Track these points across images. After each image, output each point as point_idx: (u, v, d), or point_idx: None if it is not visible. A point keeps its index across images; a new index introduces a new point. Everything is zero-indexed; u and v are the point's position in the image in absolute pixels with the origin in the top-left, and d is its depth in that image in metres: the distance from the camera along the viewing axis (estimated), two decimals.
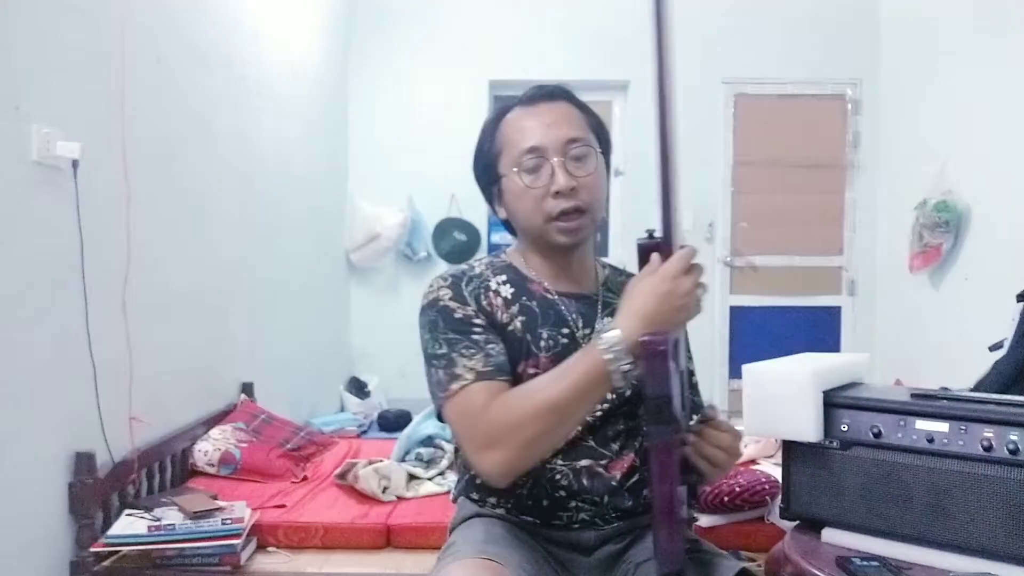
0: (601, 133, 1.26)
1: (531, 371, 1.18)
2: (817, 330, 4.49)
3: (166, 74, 2.40)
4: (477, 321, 1.18)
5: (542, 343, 1.19)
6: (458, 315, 1.17)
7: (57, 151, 1.82)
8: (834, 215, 4.60)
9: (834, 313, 4.57)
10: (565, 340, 1.20)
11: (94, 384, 1.96)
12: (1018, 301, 2.44)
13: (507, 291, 1.23)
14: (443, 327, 1.17)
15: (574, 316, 1.22)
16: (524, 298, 1.23)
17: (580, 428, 1.18)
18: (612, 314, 1.22)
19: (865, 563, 1.29)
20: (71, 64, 1.93)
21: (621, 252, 4.51)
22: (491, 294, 1.22)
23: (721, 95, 4.56)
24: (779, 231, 4.57)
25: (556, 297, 1.23)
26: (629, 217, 4.59)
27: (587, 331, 1.22)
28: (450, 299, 1.19)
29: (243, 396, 2.93)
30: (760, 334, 4.38)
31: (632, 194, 4.57)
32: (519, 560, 1.10)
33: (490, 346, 1.15)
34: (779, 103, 4.58)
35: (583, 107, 1.27)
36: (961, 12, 3.66)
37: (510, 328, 1.19)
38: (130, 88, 2.14)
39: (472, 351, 1.14)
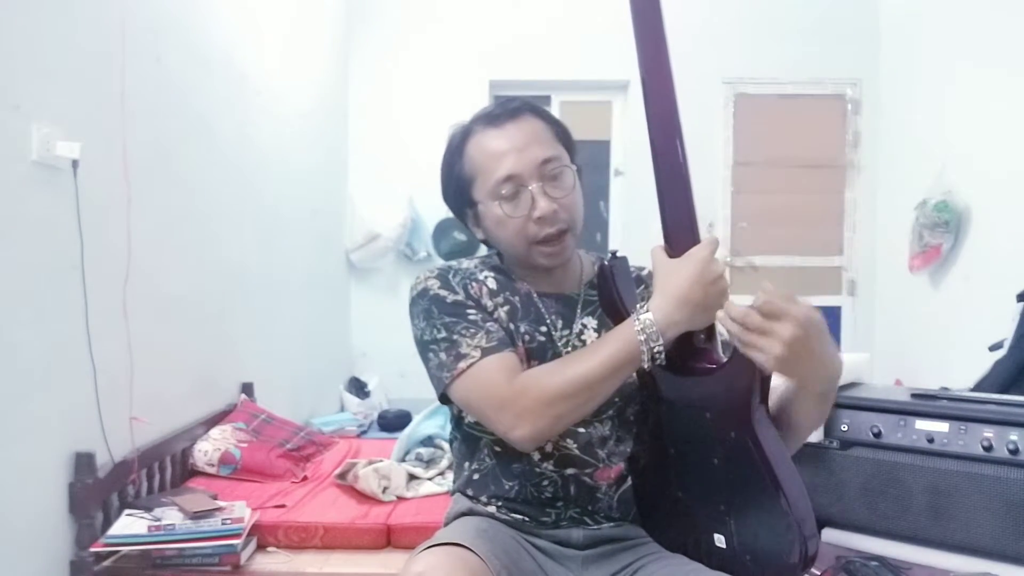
0: (567, 141, 1.24)
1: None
2: None
3: (166, 74, 2.40)
4: (470, 304, 1.20)
5: (521, 336, 1.20)
6: (450, 300, 1.19)
7: (57, 151, 1.82)
8: (834, 215, 4.60)
9: (834, 313, 4.57)
10: (542, 338, 1.21)
11: (94, 384, 1.96)
12: (1018, 301, 2.44)
13: (493, 283, 1.25)
14: (438, 313, 1.18)
15: (553, 317, 1.23)
16: (508, 292, 1.24)
17: (562, 435, 1.18)
18: (592, 313, 1.23)
19: (865, 563, 1.29)
20: (71, 64, 1.93)
21: (621, 252, 4.50)
22: (477, 283, 1.24)
23: (721, 95, 4.55)
24: (779, 231, 4.57)
25: (537, 297, 1.24)
26: (629, 217, 4.59)
27: (565, 331, 1.22)
28: (439, 288, 1.20)
29: (243, 396, 2.93)
30: None
31: (632, 194, 4.57)
32: (493, 549, 1.11)
33: (488, 324, 1.17)
34: (779, 103, 4.58)
35: (548, 118, 1.24)
36: (961, 12, 3.65)
37: (495, 315, 1.21)
38: (130, 88, 2.14)
39: (472, 330, 1.15)
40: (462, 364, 1.12)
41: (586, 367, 1.05)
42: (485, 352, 1.12)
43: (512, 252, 1.23)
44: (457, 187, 1.25)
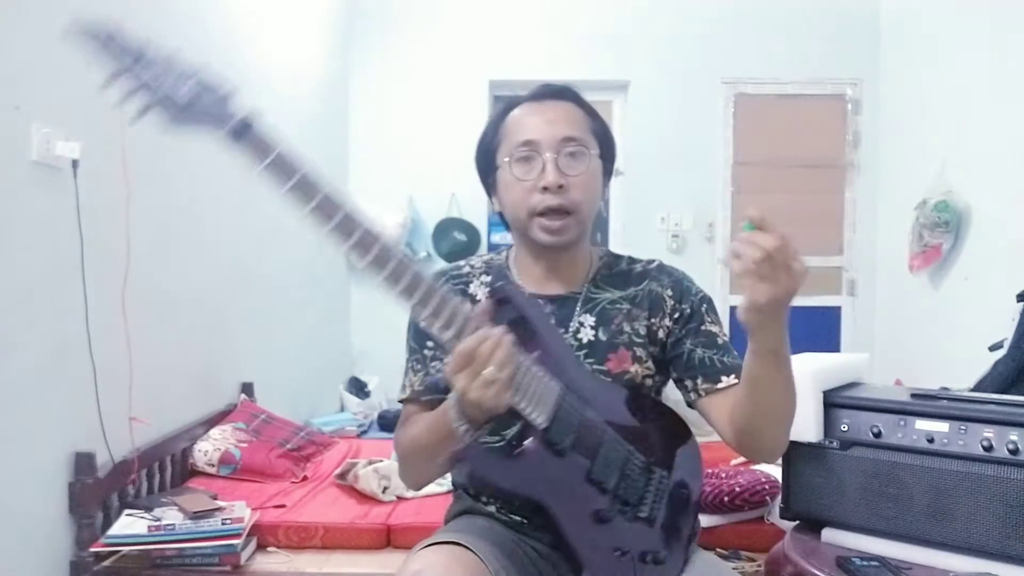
0: (605, 139, 1.25)
1: None
2: (817, 330, 4.49)
3: None
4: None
5: None
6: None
7: (57, 151, 1.82)
8: (834, 215, 4.60)
9: (834, 313, 4.57)
10: None
11: (94, 384, 1.96)
12: (1018, 301, 2.43)
13: (483, 294, 1.25)
14: (412, 333, 1.27)
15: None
16: None
17: None
18: (591, 311, 1.23)
19: (865, 563, 1.29)
20: (71, 64, 1.93)
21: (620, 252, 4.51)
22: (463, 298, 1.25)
23: (721, 95, 4.55)
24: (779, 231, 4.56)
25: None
26: (629, 217, 4.59)
27: (560, 331, 1.22)
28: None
29: (243, 396, 2.93)
30: None
31: (632, 194, 4.57)
32: (492, 549, 1.12)
33: (434, 363, 1.22)
34: (779, 103, 4.58)
35: (589, 110, 1.26)
36: (961, 12, 3.65)
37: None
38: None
39: (418, 367, 1.24)
40: (400, 396, 1.26)
41: (416, 431, 1.14)
42: (409, 398, 1.24)
43: (515, 222, 1.23)
44: (486, 151, 1.27)
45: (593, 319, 1.23)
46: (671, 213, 4.51)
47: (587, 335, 1.22)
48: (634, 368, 1.21)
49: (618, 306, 1.24)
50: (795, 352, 1.64)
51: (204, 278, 2.67)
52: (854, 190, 4.58)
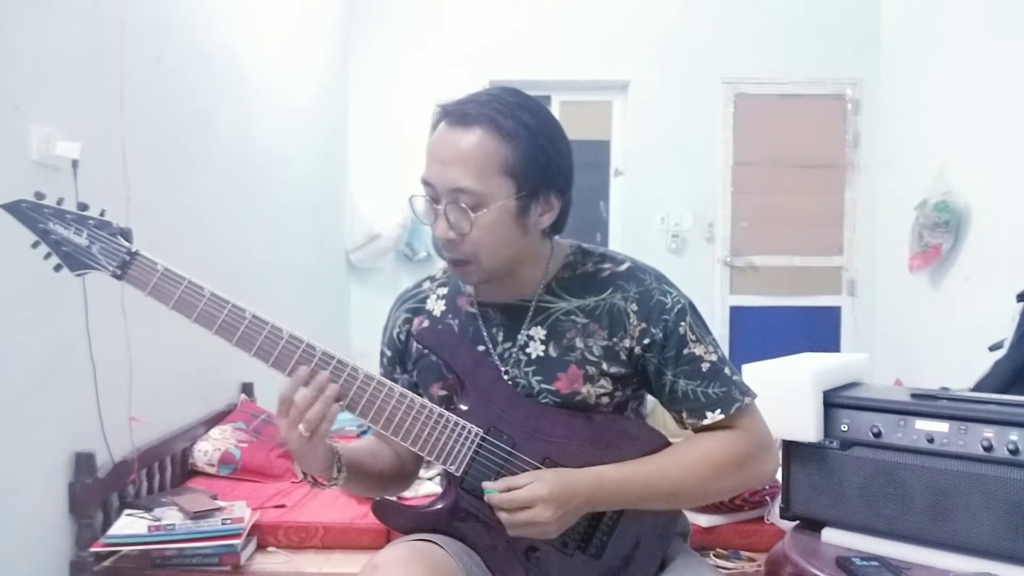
0: (528, 168, 1.07)
1: (441, 393, 1.19)
2: (817, 330, 4.49)
3: (166, 74, 2.40)
4: (388, 354, 1.28)
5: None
6: (381, 345, 1.30)
7: (57, 151, 1.82)
8: (834, 215, 4.60)
9: (834, 313, 4.57)
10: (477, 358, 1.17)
11: (94, 384, 1.96)
12: (1018, 301, 2.43)
13: (440, 308, 1.23)
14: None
15: (494, 330, 1.18)
16: (450, 316, 1.22)
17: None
18: (542, 323, 1.15)
19: (865, 563, 1.29)
20: (71, 64, 1.93)
21: (619, 250, 4.51)
22: (416, 320, 1.24)
23: (721, 95, 4.55)
24: (779, 231, 4.57)
25: (478, 311, 1.19)
26: (629, 217, 4.59)
27: (507, 345, 1.16)
28: (384, 325, 1.30)
29: (243, 396, 2.93)
30: (760, 334, 4.37)
31: (632, 194, 4.57)
32: (464, 547, 1.11)
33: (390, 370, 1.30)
34: (779, 103, 4.58)
35: (509, 139, 1.05)
36: (961, 12, 3.65)
37: (425, 352, 1.20)
38: (130, 88, 2.14)
39: (385, 371, 1.30)
40: None
41: None
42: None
43: None
44: None
45: (544, 332, 1.15)
46: (671, 213, 4.51)
47: (536, 350, 1.15)
48: (586, 388, 1.13)
49: (573, 318, 1.15)
50: (795, 352, 1.65)
51: (204, 278, 2.66)
52: (854, 190, 4.58)
